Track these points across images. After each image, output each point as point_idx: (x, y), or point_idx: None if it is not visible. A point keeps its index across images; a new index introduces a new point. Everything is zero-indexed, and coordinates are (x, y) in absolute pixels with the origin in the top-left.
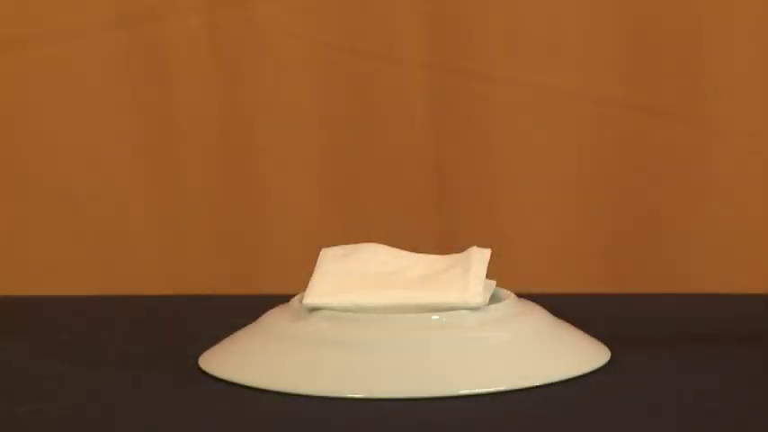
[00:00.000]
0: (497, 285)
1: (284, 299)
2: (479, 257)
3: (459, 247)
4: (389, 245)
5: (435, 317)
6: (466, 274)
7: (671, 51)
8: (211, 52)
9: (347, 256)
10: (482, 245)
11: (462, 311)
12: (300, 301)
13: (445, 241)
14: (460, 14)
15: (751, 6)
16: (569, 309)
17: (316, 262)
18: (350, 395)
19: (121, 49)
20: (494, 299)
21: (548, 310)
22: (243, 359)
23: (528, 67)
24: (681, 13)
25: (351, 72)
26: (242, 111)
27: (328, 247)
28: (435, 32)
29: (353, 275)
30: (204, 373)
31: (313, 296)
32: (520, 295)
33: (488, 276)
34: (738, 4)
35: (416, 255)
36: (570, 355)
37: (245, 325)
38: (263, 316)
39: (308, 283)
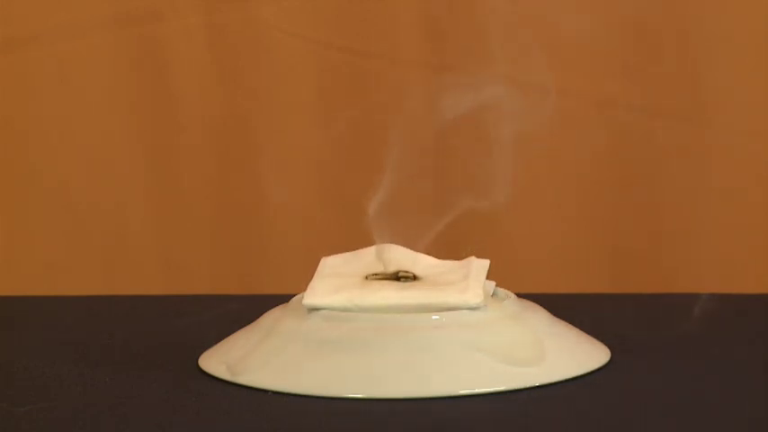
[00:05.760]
0: (497, 285)
1: (284, 299)
2: (479, 264)
3: (459, 247)
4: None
5: (435, 317)
6: (465, 277)
7: (671, 52)
8: (211, 52)
9: (348, 262)
10: (482, 245)
11: (462, 311)
12: (300, 301)
13: (445, 241)
14: (460, 15)
15: (751, 6)
16: (569, 309)
17: (315, 262)
18: (350, 395)
19: (121, 49)
20: (494, 299)
21: (548, 310)
22: (243, 359)
23: (528, 68)
24: (681, 13)
25: (351, 72)
26: (242, 110)
27: (327, 246)
28: (435, 32)
29: (354, 277)
30: (204, 373)
31: (313, 296)
32: (520, 295)
33: (489, 277)
34: (738, 5)
35: (417, 254)
36: (570, 355)
37: (245, 325)
38: (263, 316)
39: (308, 283)
